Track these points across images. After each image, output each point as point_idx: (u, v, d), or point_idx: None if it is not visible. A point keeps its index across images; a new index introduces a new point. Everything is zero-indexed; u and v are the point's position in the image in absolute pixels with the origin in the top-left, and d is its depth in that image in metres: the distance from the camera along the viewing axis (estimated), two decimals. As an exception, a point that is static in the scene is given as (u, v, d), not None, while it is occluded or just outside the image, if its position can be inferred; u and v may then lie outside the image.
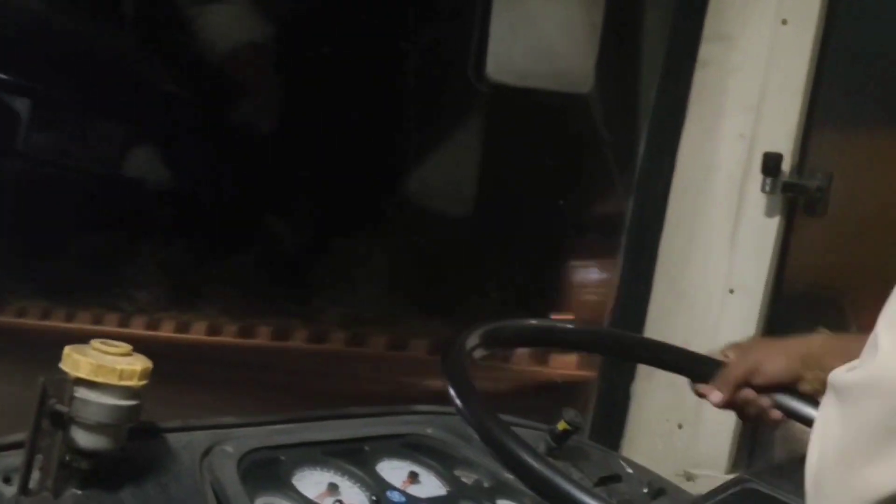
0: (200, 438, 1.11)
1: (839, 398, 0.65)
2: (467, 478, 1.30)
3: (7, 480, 0.94)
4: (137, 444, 1.02)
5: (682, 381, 1.37)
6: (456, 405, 1.04)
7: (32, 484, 0.92)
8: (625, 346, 1.42)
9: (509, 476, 1.27)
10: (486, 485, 1.29)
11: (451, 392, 1.04)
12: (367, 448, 1.25)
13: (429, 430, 1.34)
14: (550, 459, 0.94)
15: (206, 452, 1.09)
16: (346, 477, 1.18)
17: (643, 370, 1.82)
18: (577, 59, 1.95)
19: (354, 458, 1.22)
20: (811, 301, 1.94)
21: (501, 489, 1.28)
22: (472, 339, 1.13)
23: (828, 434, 0.65)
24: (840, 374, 0.66)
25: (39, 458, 0.93)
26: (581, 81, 1.96)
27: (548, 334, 1.33)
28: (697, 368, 1.29)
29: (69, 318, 3.56)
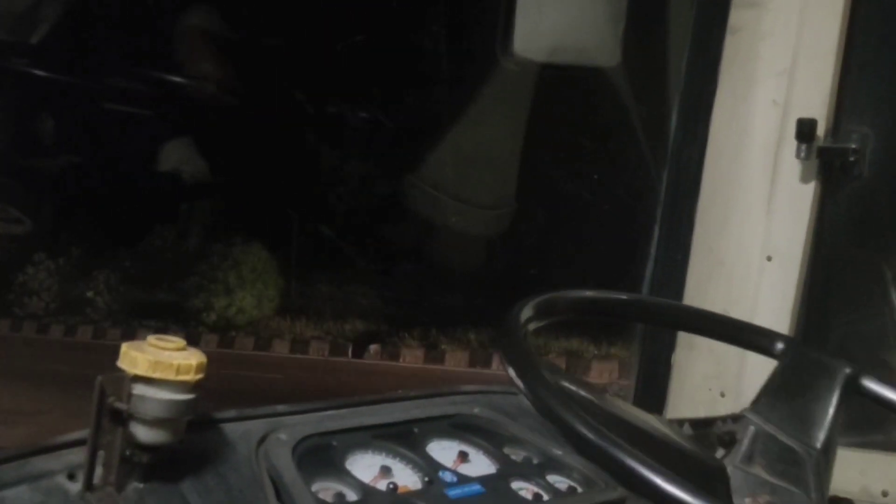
0: (255, 427, 1.13)
1: None
2: (516, 455, 1.30)
3: (71, 477, 0.96)
4: (195, 436, 1.04)
5: (723, 350, 1.37)
6: (513, 378, 1.04)
7: (96, 480, 0.95)
8: (684, 318, 1.41)
9: (558, 452, 1.29)
10: (535, 461, 1.29)
11: (508, 366, 1.04)
12: (416, 430, 1.27)
13: (476, 410, 1.36)
14: (608, 431, 0.93)
15: (262, 441, 1.11)
16: (397, 459, 1.20)
17: (683, 339, 1.82)
18: (603, 33, 1.94)
19: (405, 440, 1.23)
20: (850, 266, 1.92)
21: (551, 465, 1.29)
22: (527, 312, 1.13)
23: None
24: None
25: (101, 454, 0.95)
26: (608, 55, 1.96)
27: (605, 305, 1.31)
28: (759, 341, 1.28)
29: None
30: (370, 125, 7.70)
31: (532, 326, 1.13)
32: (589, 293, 1.28)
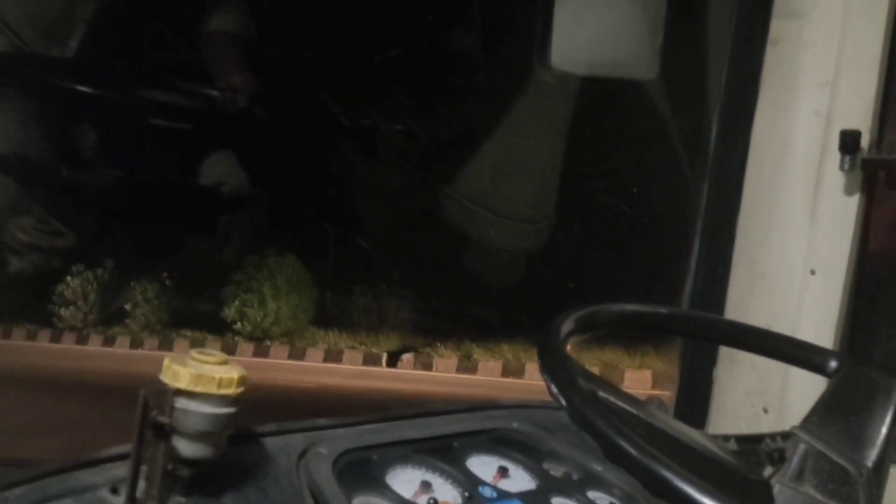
0: (295, 441, 1.12)
1: None
2: (556, 471, 1.29)
3: (115, 491, 0.96)
4: (236, 449, 1.04)
5: (766, 365, 1.35)
6: (554, 393, 1.03)
7: (139, 494, 0.95)
8: (729, 334, 1.39)
9: (598, 467, 1.28)
10: (575, 477, 1.28)
11: (549, 380, 1.03)
12: (455, 444, 1.26)
13: (515, 424, 1.35)
14: (652, 448, 0.92)
15: (302, 455, 1.11)
16: (437, 474, 1.19)
17: (725, 354, 1.80)
18: (641, 45, 1.93)
19: (444, 454, 1.23)
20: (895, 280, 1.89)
21: (591, 481, 1.27)
22: (568, 325, 1.12)
23: None
24: None
25: (144, 468, 0.95)
26: (647, 67, 1.95)
27: (646, 319, 1.30)
28: (810, 358, 1.26)
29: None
30: (406, 137, 7.73)
31: (573, 340, 1.12)
32: (630, 307, 1.27)
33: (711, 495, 0.86)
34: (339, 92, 7.69)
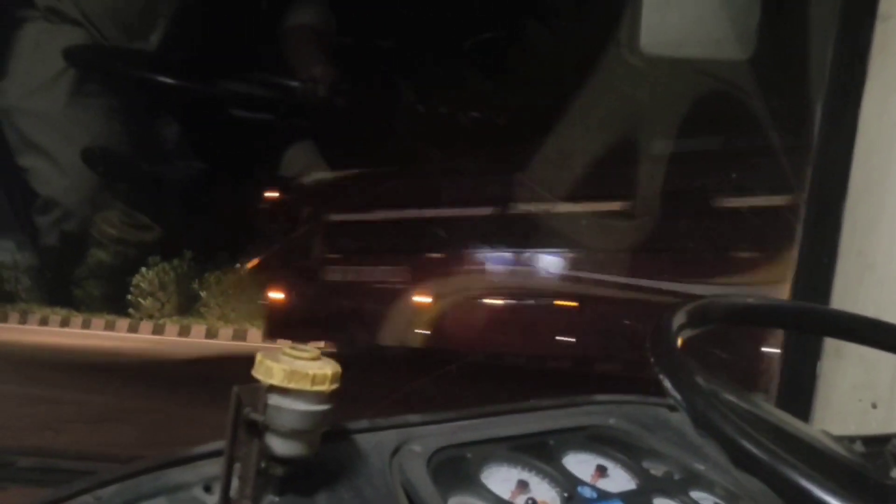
0: (388, 438, 1.10)
1: None
2: (656, 470, 1.24)
3: (208, 489, 0.95)
4: (329, 447, 1.02)
5: (875, 358, 1.27)
6: (668, 389, 0.98)
7: (232, 492, 0.93)
8: (852, 328, 1.31)
9: (701, 466, 1.22)
10: (676, 476, 1.23)
11: (662, 376, 0.98)
12: (551, 442, 1.22)
13: (611, 421, 1.30)
14: (786, 455, 0.86)
15: (395, 452, 1.08)
16: (534, 473, 1.15)
17: (831, 347, 1.71)
18: (736, 22, 1.85)
19: (540, 452, 1.18)
20: None
21: (694, 480, 1.22)
22: (679, 318, 1.07)
23: None
24: None
25: (237, 466, 0.93)
26: (742, 46, 1.86)
27: (762, 311, 1.23)
28: None
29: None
30: (482, 124, 7.69)
31: (685, 334, 1.06)
32: (746, 299, 1.20)
33: (844, 500, 0.79)
34: (415, 79, 7.69)
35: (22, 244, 8.51)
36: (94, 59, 7.43)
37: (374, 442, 1.08)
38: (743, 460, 0.90)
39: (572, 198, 5.22)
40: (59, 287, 9.20)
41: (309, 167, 7.74)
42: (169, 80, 7.29)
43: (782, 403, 1.76)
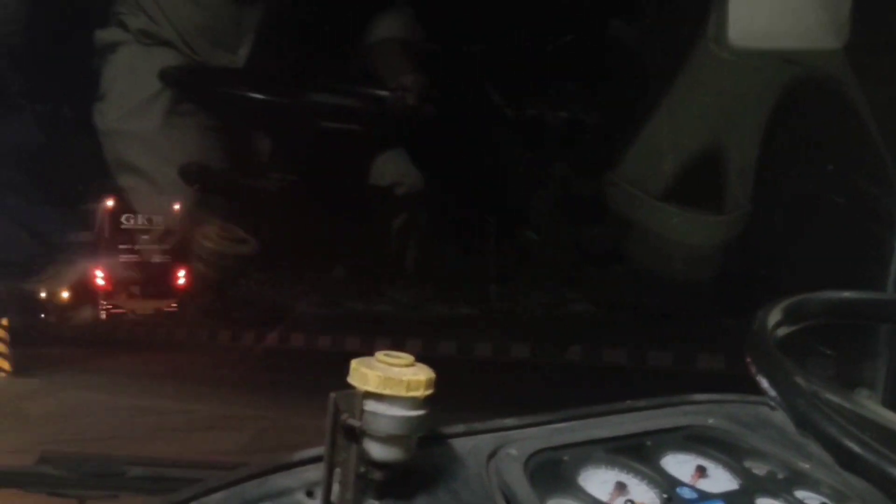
0: (484, 442, 1.10)
1: None
2: (759, 469, 1.22)
3: (310, 494, 0.97)
4: (426, 451, 1.03)
5: None
6: (766, 388, 0.96)
7: (333, 497, 0.95)
8: None
9: (805, 465, 1.19)
10: (780, 476, 1.20)
11: (760, 375, 0.96)
12: (648, 443, 1.21)
13: (710, 421, 1.28)
14: (881, 447, 0.84)
15: (492, 456, 1.08)
16: (632, 474, 1.15)
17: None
18: (828, 10, 1.80)
19: (638, 454, 1.18)
20: None
21: (798, 480, 1.19)
22: (775, 315, 1.04)
23: None
24: None
25: (337, 471, 0.95)
26: (835, 34, 1.81)
27: (864, 307, 1.19)
28: None
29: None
30: (570, 124, 7.65)
31: (782, 331, 1.04)
32: (844, 294, 1.17)
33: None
34: (502, 83, 7.70)
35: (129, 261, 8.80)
36: (187, 78, 7.64)
37: (470, 446, 1.09)
38: (848, 461, 0.88)
39: (664, 196, 5.15)
40: (172, 301, 9.49)
41: (401, 176, 7.81)
42: (259, 96, 7.45)
43: (889, 403, 1.70)
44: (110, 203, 8.56)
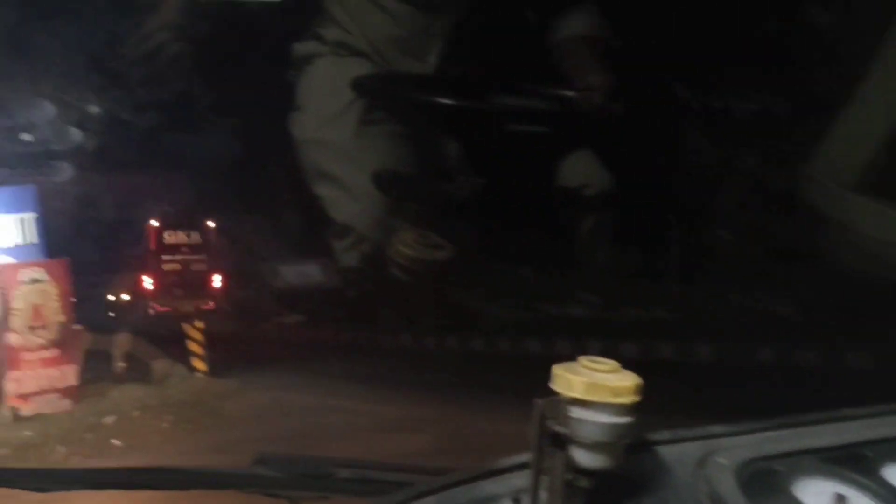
0: (691, 450, 1.07)
1: None
2: None
3: (517, 502, 0.97)
4: (632, 458, 1.01)
5: None
6: None
7: (540, 504, 0.94)
8: None
9: None
10: None
11: None
12: (869, 453, 1.14)
13: (936, 431, 1.19)
14: None
15: (700, 464, 1.05)
16: (852, 486, 1.08)
17: None
18: None
19: (857, 465, 1.11)
20: None
21: None
22: None
23: None
24: None
25: (544, 478, 0.94)
26: None
27: None
28: None
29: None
30: (761, 117, 7.37)
31: None
32: None
33: None
34: (687, 76, 7.49)
35: (325, 267, 9.14)
36: (379, 87, 7.86)
37: (677, 453, 1.06)
38: None
39: (862, 189, 4.86)
40: (362, 305, 9.77)
41: (589, 177, 7.74)
42: (449, 101, 7.57)
43: None
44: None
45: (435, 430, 6.68)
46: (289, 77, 8.34)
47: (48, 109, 7.41)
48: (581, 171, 7.74)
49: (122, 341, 9.18)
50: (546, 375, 0.96)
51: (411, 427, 6.82)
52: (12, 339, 7.65)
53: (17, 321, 7.63)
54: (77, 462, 6.72)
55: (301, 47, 8.20)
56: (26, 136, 7.37)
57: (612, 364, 0.96)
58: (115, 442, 7.27)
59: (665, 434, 1.08)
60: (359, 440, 6.42)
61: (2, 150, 7.48)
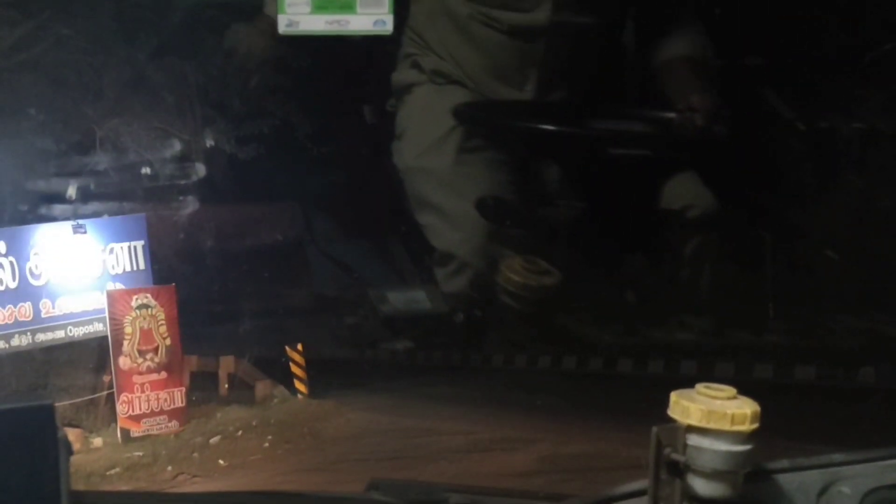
0: (812, 479, 1.05)
1: None
2: None
3: (632, 528, 0.96)
4: (751, 487, 0.99)
5: None
6: None
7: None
8: None
9: None
10: None
11: None
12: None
13: None
14: None
15: (822, 493, 1.03)
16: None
17: None
18: None
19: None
20: None
21: None
22: None
23: None
24: None
25: (661, 505, 0.94)
26: None
27: None
28: None
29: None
30: (868, 135, 7.14)
31: None
32: None
33: None
34: (791, 96, 7.31)
35: (431, 293, 9.17)
36: (478, 114, 7.88)
37: (797, 482, 1.04)
38: None
39: None
40: (468, 330, 9.77)
41: (693, 198, 7.59)
42: (548, 126, 7.54)
43: None
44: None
45: (528, 451, 6.62)
46: (388, 107, 8.43)
47: (162, 144, 7.68)
48: (684, 193, 7.60)
49: (226, 364, 9.39)
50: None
51: (503, 447, 6.76)
52: (123, 362, 7.91)
53: (127, 345, 7.88)
54: (184, 481, 6.89)
55: (399, 76, 8.28)
56: (144, 170, 7.65)
57: (729, 390, 0.95)
58: (221, 462, 7.42)
59: (784, 462, 1.06)
60: (451, 461, 6.40)
61: (120, 183, 7.78)
